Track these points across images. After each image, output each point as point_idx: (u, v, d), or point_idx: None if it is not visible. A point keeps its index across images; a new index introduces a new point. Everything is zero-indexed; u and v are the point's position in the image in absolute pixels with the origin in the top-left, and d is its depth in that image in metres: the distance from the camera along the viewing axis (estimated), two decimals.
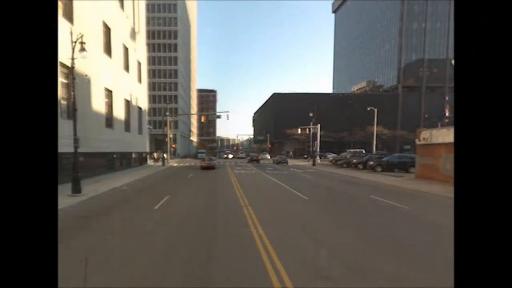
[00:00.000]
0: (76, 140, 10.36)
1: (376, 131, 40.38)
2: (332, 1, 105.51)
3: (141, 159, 28.17)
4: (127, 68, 23.35)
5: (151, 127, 47.32)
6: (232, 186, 13.17)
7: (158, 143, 56.50)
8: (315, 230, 6.15)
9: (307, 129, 43.67)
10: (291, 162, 39.15)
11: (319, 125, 41.31)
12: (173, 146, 54.05)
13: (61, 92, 13.52)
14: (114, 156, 20.31)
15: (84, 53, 10.38)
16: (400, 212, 8.09)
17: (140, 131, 27.45)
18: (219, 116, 40.57)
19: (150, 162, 33.93)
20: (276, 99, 71.61)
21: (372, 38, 78.34)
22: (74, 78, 10.43)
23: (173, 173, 20.89)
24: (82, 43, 10.25)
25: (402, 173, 19.82)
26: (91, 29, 16.13)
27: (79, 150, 10.63)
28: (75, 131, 10.36)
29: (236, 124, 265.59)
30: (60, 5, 13.22)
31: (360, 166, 24.36)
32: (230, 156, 58.54)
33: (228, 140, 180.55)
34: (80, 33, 10.45)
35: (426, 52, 66.39)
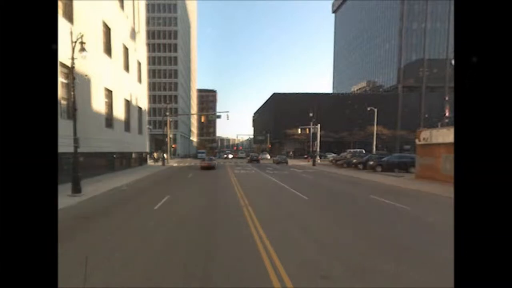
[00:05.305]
0: (76, 140, 10.36)
1: (376, 131, 40.39)
2: (332, 1, 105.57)
3: (141, 159, 28.17)
4: (127, 68, 23.35)
5: (151, 127, 47.34)
6: (232, 186, 13.17)
7: (158, 143, 56.57)
8: (315, 230, 6.15)
9: (307, 129, 43.68)
10: (291, 162, 39.14)
11: (319, 125, 41.33)
12: (173, 146, 54.07)
13: (61, 92, 13.52)
14: (114, 156, 20.30)
15: (84, 53, 10.38)
16: (400, 212, 8.09)
17: (140, 131, 27.45)
18: (219, 116, 40.70)
19: (150, 162, 33.94)
20: (276, 99, 71.66)
21: (372, 38, 78.36)
22: (74, 78, 10.42)
23: (173, 173, 20.89)
24: (82, 43, 10.25)
25: (402, 173, 19.81)
26: (91, 29, 16.12)
27: (79, 150, 10.62)
28: (75, 131, 10.35)
29: (236, 124, 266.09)
30: (60, 5, 13.22)
31: (360, 166, 24.36)
32: (230, 156, 58.43)
33: (228, 140, 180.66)
34: (80, 33, 10.45)
35: (426, 52, 66.43)
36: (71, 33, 11.16)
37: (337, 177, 19.05)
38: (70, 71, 10.84)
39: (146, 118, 30.80)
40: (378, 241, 5.42)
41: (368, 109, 41.05)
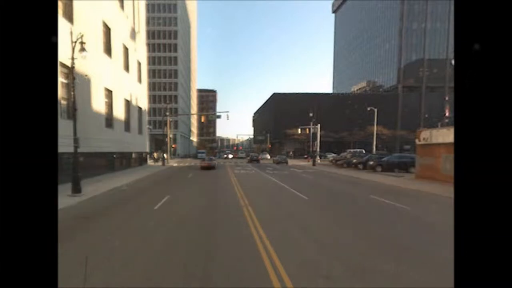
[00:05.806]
0: (76, 140, 10.36)
1: (376, 131, 40.38)
2: (332, 1, 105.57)
3: (141, 159, 28.17)
4: (127, 68, 23.35)
5: (151, 127, 47.34)
6: (232, 186, 13.17)
7: (158, 143, 56.58)
8: (315, 230, 6.15)
9: (307, 129, 43.68)
10: (291, 162, 39.13)
11: (319, 125, 41.32)
12: (173, 146, 54.07)
13: (61, 92, 13.52)
14: (114, 156, 20.30)
15: (84, 53, 10.38)
16: (400, 212, 8.09)
17: (140, 131, 27.45)
18: (219, 116, 40.72)
19: (150, 162, 33.94)
20: (276, 99, 71.67)
21: (372, 38, 78.37)
22: (74, 78, 10.42)
23: (173, 173, 20.89)
24: (82, 43, 10.25)
25: (402, 173, 19.80)
26: (91, 29, 16.12)
27: (79, 150, 10.62)
28: (75, 131, 10.35)
29: (236, 124, 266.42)
30: (60, 5, 13.22)
31: (360, 166, 24.36)
32: (230, 156, 58.40)
33: (228, 140, 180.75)
34: (80, 33, 10.45)
35: (426, 52, 66.43)
36: (71, 33, 11.16)
37: (337, 177, 19.04)
38: (70, 71, 10.85)
39: (146, 118, 30.80)
40: (378, 241, 5.42)
41: (368, 109, 41.06)
